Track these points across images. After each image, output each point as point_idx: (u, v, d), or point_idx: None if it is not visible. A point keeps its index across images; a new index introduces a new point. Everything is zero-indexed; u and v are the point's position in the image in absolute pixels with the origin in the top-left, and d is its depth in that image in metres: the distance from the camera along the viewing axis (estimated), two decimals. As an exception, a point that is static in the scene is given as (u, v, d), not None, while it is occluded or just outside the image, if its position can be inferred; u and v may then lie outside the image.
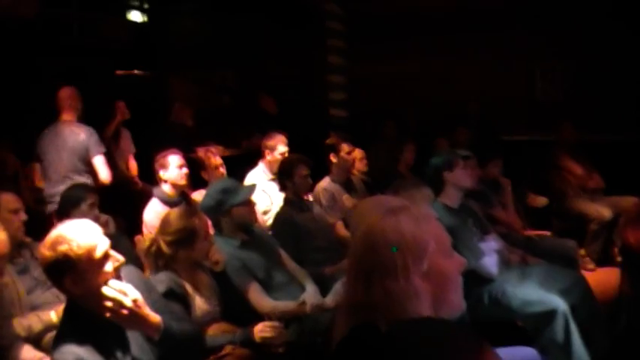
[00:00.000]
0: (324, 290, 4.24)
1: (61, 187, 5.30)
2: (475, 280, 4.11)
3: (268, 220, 5.67)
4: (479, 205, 5.09)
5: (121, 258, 2.58)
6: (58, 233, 2.47)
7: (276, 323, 3.63)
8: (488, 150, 6.31)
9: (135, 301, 2.51)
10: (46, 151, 5.91)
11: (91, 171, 5.84)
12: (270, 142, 6.29)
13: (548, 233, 6.09)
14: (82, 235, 2.46)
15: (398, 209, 1.85)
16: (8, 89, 7.85)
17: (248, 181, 6.08)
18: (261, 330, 3.55)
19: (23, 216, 4.00)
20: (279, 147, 6.24)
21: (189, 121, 8.49)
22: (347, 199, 5.95)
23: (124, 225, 5.65)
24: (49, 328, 3.54)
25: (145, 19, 10.60)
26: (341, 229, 5.64)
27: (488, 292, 4.23)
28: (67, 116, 5.98)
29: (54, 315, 3.58)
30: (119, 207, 6.20)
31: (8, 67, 7.90)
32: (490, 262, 4.31)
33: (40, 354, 3.41)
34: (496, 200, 5.99)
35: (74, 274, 2.44)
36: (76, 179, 5.66)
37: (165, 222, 3.69)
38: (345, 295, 1.86)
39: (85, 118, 7.41)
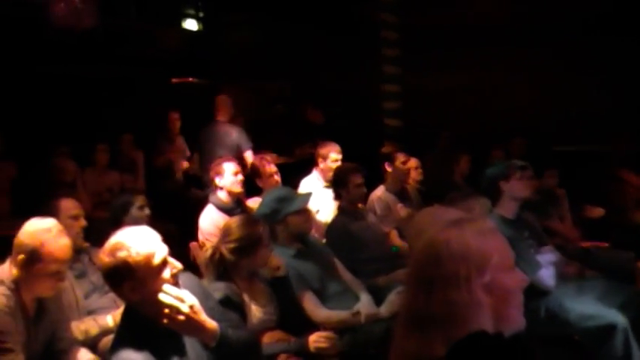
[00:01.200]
0: (378, 300, 4.20)
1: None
2: (531, 293, 4.02)
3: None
4: (535, 216, 5.00)
5: (179, 265, 2.59)
6: (117, 240, 2.49)
7: (330, 334, 3.61)
8: (544, 160, 6.21)
9: (191, 308, 2.52)
10: (204, 143, 7.13)
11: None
12: (322, 151, 6.38)
13: (605, 245, 5.96)
14: (141, 242, 2.48)
15: (462, 221, 1.84)
16: (67, 97, 8.01)
17: (302, 188, 6.11)
18: (316, 340, 3.54)
19: (83, 222, 4.06)
20: (331, 155, 6.29)
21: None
22: (401, 209, 5.90)
23: (178, 231, 5.72)
24: (105, 332, 3.58)
25: (200, 27, 10.72)
26: (395, 239, 5.60)
27: (545, 306, 4.15)
28: (221, 117, 7.19)
29: (110, 319, 3.62)
30: (174, 214, 6.30)
31: (68, 75, 8.06)
32: (547, 275, 4.23)
33: (95, 357, 3.45)
34: (552, 211, 5.89)
35: (132, 281, 2.46)
36: None
37: (227, 230, 3.69)
38: (404, 306, 1.83)
39: (141, 123, 7.59)
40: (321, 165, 6.35)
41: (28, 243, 3.02)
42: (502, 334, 1.70)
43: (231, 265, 3.59)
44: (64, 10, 7.03)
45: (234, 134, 7.07)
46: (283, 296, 3.87)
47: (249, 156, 6.94)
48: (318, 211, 5.86)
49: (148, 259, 2.46)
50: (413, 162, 6.67)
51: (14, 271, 3.04)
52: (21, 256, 3.00)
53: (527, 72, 9.19)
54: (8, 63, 7.48)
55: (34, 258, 3.01)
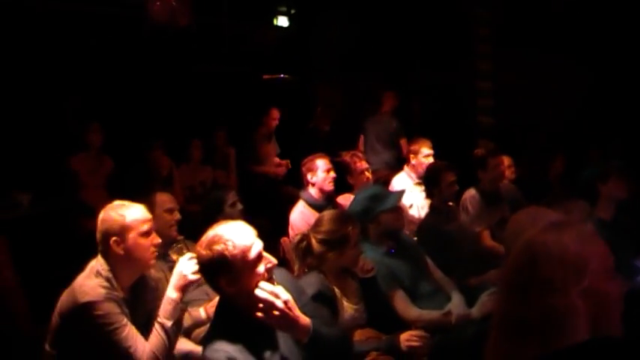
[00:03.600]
0: (469, 301, 4.13)
1: (378, 157, 7.83)
2: (631, 300, 3.89)
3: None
4: (634, 218, 4.83)
5: (274, 260, 2.61)
6: (214, 233, 2.53)
7: (423, 333, 3.57)
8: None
9: (286, 304, 2.53)
10: (370, 131, 8.32)
11: (395, 147, 8.20)
12: (414, 147, 6.38)
13: None
14: (237, 235, 2.51)
15: (562, 224, 1.80)
16: (161, 93, 8.18)
17: (394, 186, 6.06)
18: (408, 339, 3.51)
19: (177, 215, 4.15)
20: (422, 150, 6.26)
21: (326, 126, 8.63)
22: (495, 209, 5.75)
23: (270, 226, 5.77)
24: (197, 324, 3.64)
25: (292, 24, 10.79)
26: (487, 239, 5.48)
27: (647, 314, 4.00)
28: (385, 108, 8.42)
29: (203, 312, 3.68)
30: (266, 209, 6.36)
31: (162, 72, 8.23)
32: (647, 281, 4.10)
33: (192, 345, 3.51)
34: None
35: (228, 274, 2.49)
36: (381, 151, 8.11)
37: (319, 221, 3.70)
38: (498, 308, 1.80)
39: (233, 120, 7.70)
40: (413, 161, 6.31)
41: (111, 223, 3.10)
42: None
43: (318, 257, 3.58)
44: (160, 8, 7.19)
45: (394, 123, 8.26)
46: (372, 296, 3.84)
47: (403, 142, 8.02)
48: (411, 206, 5.82)
49: (244, 253, 2.49)
50: (506, 160, 6.46)
51: (108, 261, 3.11)
52: (113, 239, 3.07)
53: (626, 68, 8.85)
54: (105, 60, 7.69)
55: (123, 232, 3.09)
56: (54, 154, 6.51)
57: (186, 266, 3.08)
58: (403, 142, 8.03)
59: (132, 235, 3.10)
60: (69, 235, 5.72)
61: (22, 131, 6.72)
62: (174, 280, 3.12)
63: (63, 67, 7.30)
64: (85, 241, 3.44)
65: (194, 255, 2.90)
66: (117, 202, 3.20)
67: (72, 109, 7.37)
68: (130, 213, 3.14)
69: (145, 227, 3.16)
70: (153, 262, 3.26)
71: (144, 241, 3.15)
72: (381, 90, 8.54)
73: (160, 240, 3.27)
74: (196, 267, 2.92)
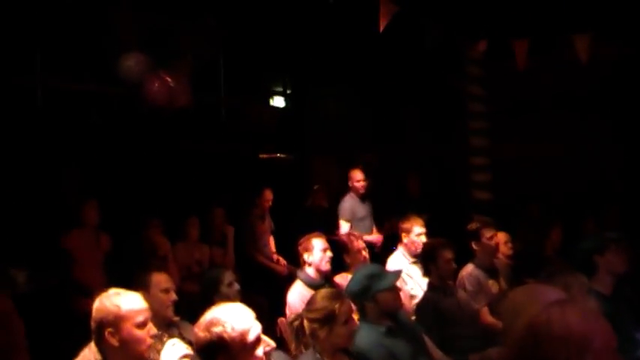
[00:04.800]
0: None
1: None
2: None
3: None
4: (634, 290, 4.81)
5: (272, 343, 2.60)
6: (213, 315, 2.53)
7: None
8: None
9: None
10: None
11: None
12: (405, 225, 6.32)
13: None
14: (236, 318, 2.51)
15: (564, 302, 1.80)
16: (158, 171, 8.22)
17: (390, 265, 6.04)
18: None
19: (173, 296, 4.11)
20: (415, 229, 6.24)
21: (325, 203, 8.64)
22: (492, 285, 5.75)
23: (267, 306, 5.73)
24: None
25: (288, 104, 10.93)
26: (486, 316, 5.46)
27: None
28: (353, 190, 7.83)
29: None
30: (263, 287, 6.32)
31: (160, 150, 8.30)
32: (648, 355, 4.06)
33: None
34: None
35: (226, 356, 2.48)
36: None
37: (311, 299, 3.71)
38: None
39: (229, 198, 7.71)
40: (405, 240, 6.28)
41: (106, 314, 3.04)
42: None
43: (310, 336, 3.55)
44: (158, 89, 7.25)
45: (340, 203, 7.77)
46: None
47: (342, 223, 7.55)
48: (413, 297, 5.77)
49: (243, 336, 2.48)
50: (502, 236, 6.49)
51: (101, 351, 3.05)
52: (108, 330, 3.01)
53: (619, 138, 8.98)
54: (103, 137, 7.74)
55: (118, 322, 3.02)
56: (50, 231, 6.47)
57: (170, 353, 3.03)
58: (341, 222, 7.66)
59: (127, 326, 3.02)
60: (63, 315, 5.65)
61: (19, 207, 6.71)
62: None
63: (60, 143, 7.34)
64: (79, 322, 3.40)
65: (175, 341, 2.87)
66: (112, 290, 3.14)
67: (69, 185, 7.37)
68: (126, 302, 3.07)
69: (141, 318, 3.07)
70: (148, 353, 3.17)
71: (139, 333, 3.06)
72: (350, 168, 8.11)
73: (156, 331, 3.21)
74: (183, 351, 2.88)
